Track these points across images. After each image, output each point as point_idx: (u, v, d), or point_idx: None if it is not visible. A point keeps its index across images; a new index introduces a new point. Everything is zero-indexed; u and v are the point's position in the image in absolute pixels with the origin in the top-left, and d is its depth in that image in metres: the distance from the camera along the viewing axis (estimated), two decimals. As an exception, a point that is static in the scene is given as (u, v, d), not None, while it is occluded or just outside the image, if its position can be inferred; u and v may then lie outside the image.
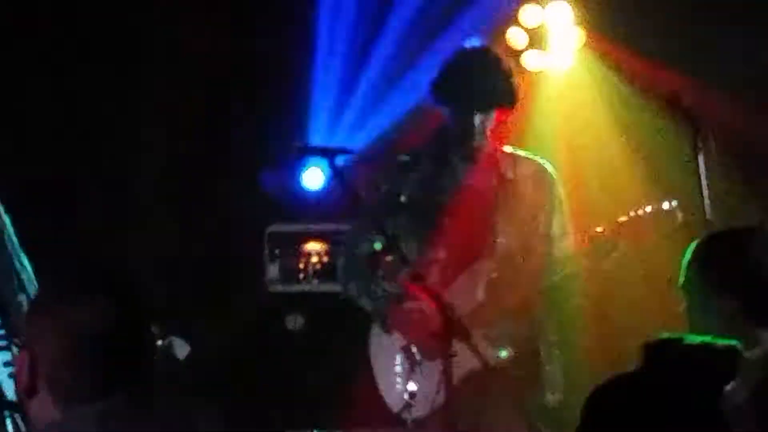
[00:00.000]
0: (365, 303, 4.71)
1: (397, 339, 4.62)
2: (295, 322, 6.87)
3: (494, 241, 4.63)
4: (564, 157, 6.40)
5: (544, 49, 6.56)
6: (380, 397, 4.65)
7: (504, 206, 4.68)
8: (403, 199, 4.69)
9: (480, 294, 4.54)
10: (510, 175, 4.76)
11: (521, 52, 6.56)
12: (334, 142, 6.79)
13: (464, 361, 4.44)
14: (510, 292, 4.49)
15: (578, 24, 6.52)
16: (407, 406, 4.51)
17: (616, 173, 6.43)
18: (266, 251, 6.99)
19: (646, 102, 6.21)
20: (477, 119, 4.71)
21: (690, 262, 3.53)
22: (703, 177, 4.50)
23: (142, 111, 7.07)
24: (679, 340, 2.52)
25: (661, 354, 2.42)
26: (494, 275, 4.47)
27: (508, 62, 4.86)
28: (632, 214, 4.52)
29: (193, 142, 7.18)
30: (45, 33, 6.82)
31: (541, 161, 4.88)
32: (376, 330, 4.69)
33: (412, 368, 4.55)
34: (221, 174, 7.21)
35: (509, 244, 4.63)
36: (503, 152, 4.81)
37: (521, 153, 4.88)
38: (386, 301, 4.62)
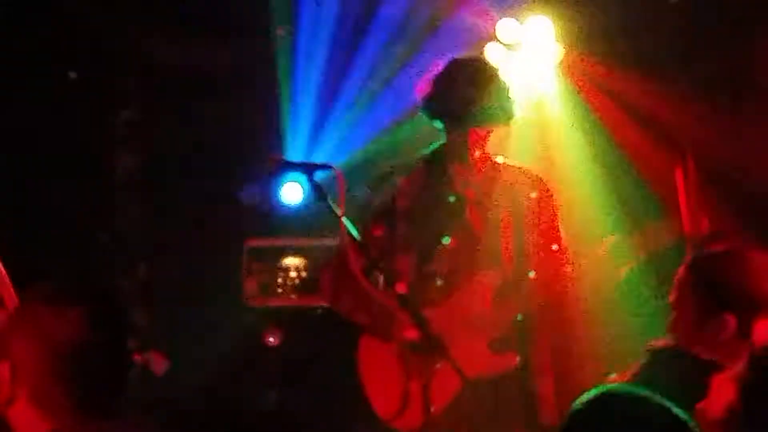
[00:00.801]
0: (360, 317, 4.67)
1: (391, 348, 4.60)
2: (273, 336, 6.85)
3: (497, 252, 4.61)
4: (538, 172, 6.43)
5: (522, 64, 6.58)
6: (369, 407, 4.61)
7: (504, 217, 4.66)
8: (398, 211, 4.67)
9: (485, 305, 4.54)
10: (508, 185, 4.74)
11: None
12: (313, 158, 6.81)
13: (464, 368, 4.46)
14: (515, 303, 4.48)
15: (557, 40, 6.53)
16: (398, 415, 4.51)
17: (591, 191, 6.47)
18: (244, 266, 6.98)
19: (624, 119, 6.23)
20: (474, 134, 4.67)
21: (686, 281, 3.56)
22: (681, 195, 4.54)
23: (115, 122, 7.07)
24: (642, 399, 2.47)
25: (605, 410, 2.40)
26: (499, 286, 4.46)
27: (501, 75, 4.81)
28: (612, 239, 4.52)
29: (168, 157, 7.18)
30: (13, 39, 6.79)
31: (536, 173, 4.87)
32: (367, 338, 4.66)
33: (405, 378, 4.54)
34: (199, 188, 7.20)
35: (512, 256, 4.62)
36: (498, 163, 4.80)
37: (516, 164, 4.86)
38: (386, 314, 4.59)
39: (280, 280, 6.95)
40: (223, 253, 7.06)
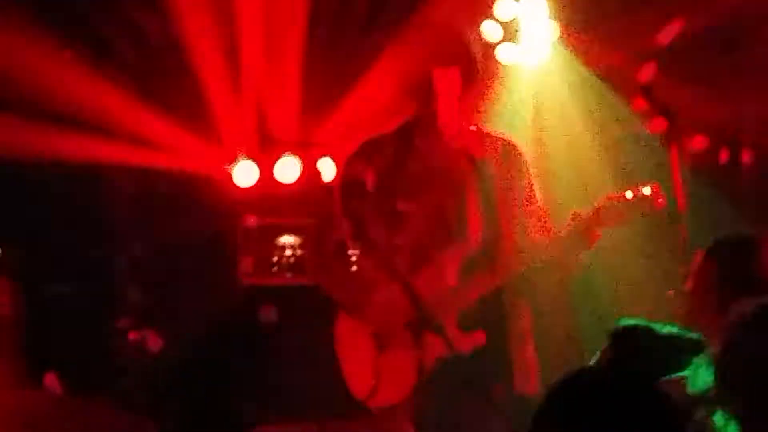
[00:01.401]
0: (338, 294, 4.65)
1: (364, 326, 4.57)
2: (268, 314, 6.86)
3: (465, 225, 4.55)
4: (536, 149, 6.43)
5: (518, 43, 6.57)
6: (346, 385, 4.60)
7: (474, 188, 4.60)
8: (368, 184, 4.61)
9: (452, 279, 4.48)
10: (478, 154, 4.67)
11: (495, 45, 6.57)
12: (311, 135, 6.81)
13: (432, 349, 4.45)
14: (483, 277, 4.42)
15: (552, 18, 6.52)
16: (372, 393, 4.49)
17: (588, 166, 6.46)
18: (240, 244, 6.99)
19: (619, 94, 6.22)
20: (443, 103, 4.58)
21: (705, 268, 3.56)
22: (674, 168, 4.52)
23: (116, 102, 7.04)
24: (647, 329, 2.51)
25: (628, 342, 2.42)
26: (467, 260, 4.40)
27: (469, 30, 4.71)
28: (608, 198, 4.46)
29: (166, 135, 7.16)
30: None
31: (510, 138, 4.78)
32: (343, 317, 4.63)
33: (378, 356, 4.52)
34: (195, 167, 7.19)
35: (481, 228, 4.56)
36: (470, 131, 4.72)
37: (489, 130, 4.78)
38: (358, 290, 4.56)
39: (275, 259, 6.96)
40: (220, 231, 7.06)
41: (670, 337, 3.19)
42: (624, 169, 6.10)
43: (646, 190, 4.43)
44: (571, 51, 6.61)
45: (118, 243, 7.18)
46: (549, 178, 5.56)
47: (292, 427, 6.49)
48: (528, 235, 4.54)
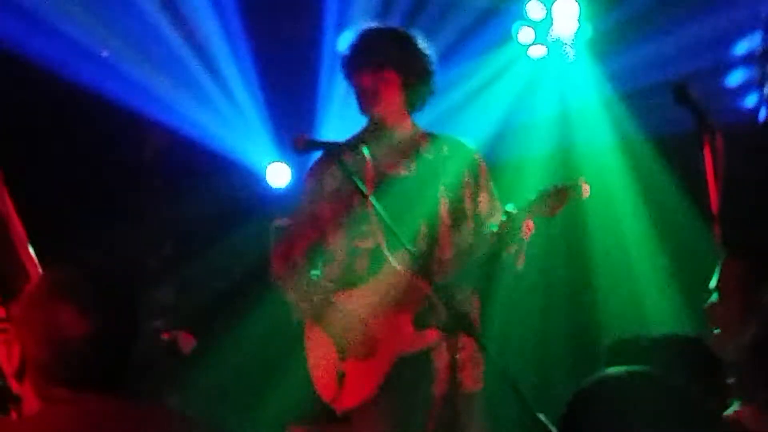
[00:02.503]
0: (304, 307, 4.70)
1: (327, 333, 4.65)
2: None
3: (417, 226, 4.60)
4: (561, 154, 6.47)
5: (550, 43, 6.59)
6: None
7: (425, 189, 4.65)
8: (325, 191, 4.68)
9: (405, 281, 4.52)
10: (429, 155, 4.72)
11: (527, 45, 6.59)
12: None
13: (391, 346, 4.55)
14: (436, 273, 4.44)
15: (584, 19, 6.53)
16: (337, 396, 4.55)
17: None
18: (272, 244, 7.00)
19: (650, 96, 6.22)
20: (362, 83, 4.66)
21: (732, 272, 3.56)
22: (708, 168, 4.50)
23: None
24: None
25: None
26: (414, 261, 4.41)
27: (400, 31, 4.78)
28: (541, 191, 4.51)
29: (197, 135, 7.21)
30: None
31: (461, 140, 4.83)
32: (310, 322, 4.70)
33: (342, 358, 4.59)
34: (228, 168, 7.24)
35: (432, 227, 4.61)
36: (422, 133, 4.77)
37: (439, 133, 4.82)
38: (322, 303, 4.63)
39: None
40: (252, 232, 7.08)
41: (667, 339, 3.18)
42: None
43: (572, 182, 4.50)
44: (601, 51, 6.64)
45: (150, 243, 7.23)
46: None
47: (322, 426, 6.50)
48: (484, 230, 4.60)
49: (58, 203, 6.69)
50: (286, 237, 4.86)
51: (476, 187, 4.73)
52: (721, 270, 3.73)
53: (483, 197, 4.74)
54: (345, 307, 4.62)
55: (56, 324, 2.54)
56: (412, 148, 4.73)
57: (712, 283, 3.76)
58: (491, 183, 4.79)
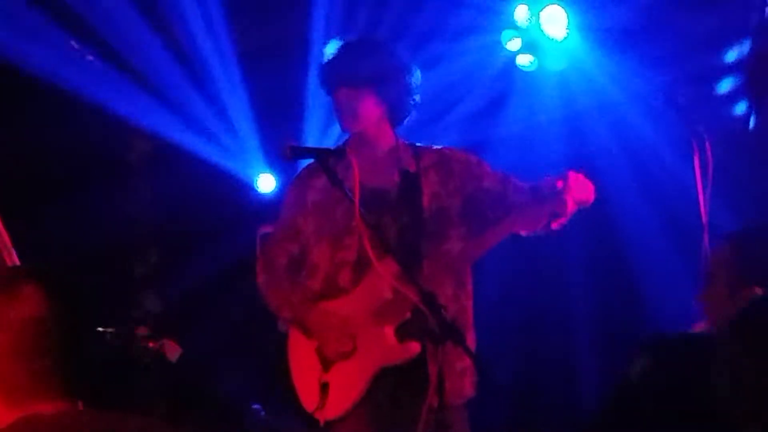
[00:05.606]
0: (285, 312, 4.69)
1: (310, 342, 4.61)
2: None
3: (400, 237, 4.58)
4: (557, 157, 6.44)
5: (537, 51, 6.56)
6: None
7: (407, 201, 4.62)
8: (308, 203, 4.66)
9: (387, 291, 4.50)
10: (412, 168, 4.69)
11: (515, 53, 6.57)
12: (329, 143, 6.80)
13: (374, 358, 4.51)
14: (422, 283, 4.38)
15: (572, 25, 6.51)
16: (320, 405, 4.52)
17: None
18: (258, 252, 6.97)
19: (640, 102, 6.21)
20: (339, 100, 4.64)
21: (722, 254, 3.56)
22: (698, 179, 4.50)
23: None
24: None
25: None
26: (399, 272, 4.38)
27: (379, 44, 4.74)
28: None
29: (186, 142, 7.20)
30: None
31: (446, 150, 4.76)
32: (294, 332, 4.67)
33: (325, 368, 4.56)
34: (215, 176, 7.22)
35: (414, 239, 4.58)
36: (404, 146, 4.73)
37: (422, 145, 4.77)
38: (303, 307, 4.62)
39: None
40: (238, 239, 7.06)
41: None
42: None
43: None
44: (590, 58, 6.62)
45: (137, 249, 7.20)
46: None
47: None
48: (456, 243, 4.58)
49: (42, 210, 6.67)
50: (267, 249, 4.84)
51: (475, 180, 4.68)
52: (710, 257, 3.74)
53: (488, 182, 4.68)
54: (326, 309, 4.59)
55: (17, 301, 2.49)
56: (394, 161, 4.71)
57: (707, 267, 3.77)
58: (492, 167, 4.72)
